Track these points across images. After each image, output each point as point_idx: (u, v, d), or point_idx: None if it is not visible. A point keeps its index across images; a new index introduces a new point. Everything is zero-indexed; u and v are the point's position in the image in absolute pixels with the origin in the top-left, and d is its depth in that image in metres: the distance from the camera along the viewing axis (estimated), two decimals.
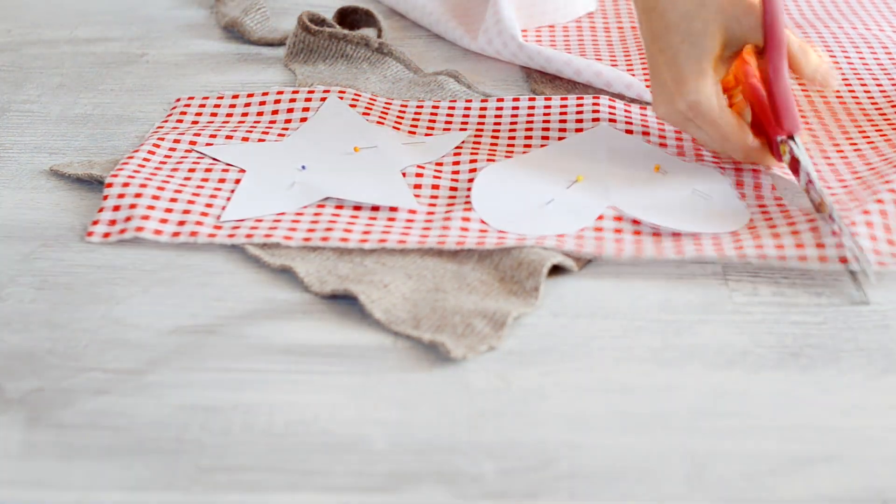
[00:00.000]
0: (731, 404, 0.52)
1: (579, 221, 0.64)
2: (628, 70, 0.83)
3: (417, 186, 0.68)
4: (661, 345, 0.55)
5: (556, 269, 0.61)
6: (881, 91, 0.79)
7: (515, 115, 0.76)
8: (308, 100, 0.77)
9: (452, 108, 0.77)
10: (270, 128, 0.75)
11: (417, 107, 0.78)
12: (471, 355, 0.54)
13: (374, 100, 0.78)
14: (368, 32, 0.91)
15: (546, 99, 0.77)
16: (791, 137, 0.65)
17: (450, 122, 0.75)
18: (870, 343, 0.56)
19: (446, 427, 0.50)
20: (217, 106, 0.78)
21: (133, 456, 0.48)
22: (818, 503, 0.46)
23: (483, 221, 0.64)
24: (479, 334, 0.55)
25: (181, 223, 0.63)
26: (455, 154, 0.72)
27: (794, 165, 0.65)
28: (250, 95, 0.78)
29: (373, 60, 0.85)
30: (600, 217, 0.64)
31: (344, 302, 0.58)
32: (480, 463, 0.48)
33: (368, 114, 0.75)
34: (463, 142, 0.73)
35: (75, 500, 0.47)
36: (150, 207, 0.64)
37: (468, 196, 0.66)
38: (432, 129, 0.75)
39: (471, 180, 0.68)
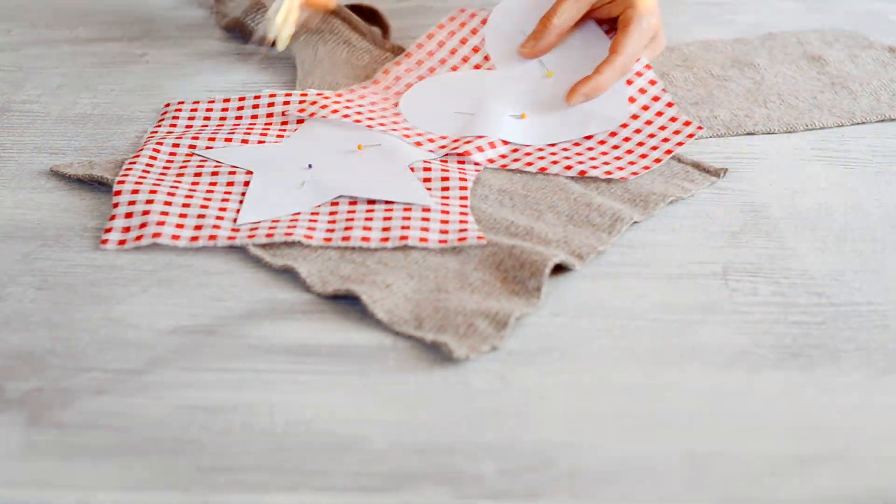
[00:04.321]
0: (731, 404, 0.52)
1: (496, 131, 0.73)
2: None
3: (427, 180, 0.68)
4: (661, 345, 0.55)
5: (557, 269, 0.61)
6: None
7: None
8: (301, 101, 0.77)
9: None
10: (267, 129, 0.74)
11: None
12: (473, 355, 0.54)
13: (372, 105, 0.78)
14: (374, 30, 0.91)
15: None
16: None
17: None
18: (870, 343, 0.56)
19: (446, 427, 0.50)
20: (209, 110, 0.78)
21: (133, 456, 0.48)
22: (818, 503, 0.46)
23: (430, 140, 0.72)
24: (481, 334, 0.55)
25: (198, 227, 0.63)
26: (454, 142, 0.72)
27: None
28: (242, 99, 0.78)
29: (375, 54, 0.85)
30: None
31: (344, 302, 0.58)
32: (480, 463, 0.48)
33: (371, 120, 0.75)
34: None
35: (75, 500, 0.47)
36: (164, 213, 0.64)
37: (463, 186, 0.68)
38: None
39: (477, 169, 0.70)
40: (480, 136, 0.72)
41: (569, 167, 0.70)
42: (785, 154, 0.74)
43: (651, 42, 0.79)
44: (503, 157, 0.71)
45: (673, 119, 0.75)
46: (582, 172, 0.69)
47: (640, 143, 0.73)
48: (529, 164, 0.71)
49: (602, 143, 0.73)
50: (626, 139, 0.73)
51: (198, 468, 0.48)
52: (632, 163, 0.71)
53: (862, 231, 0.65)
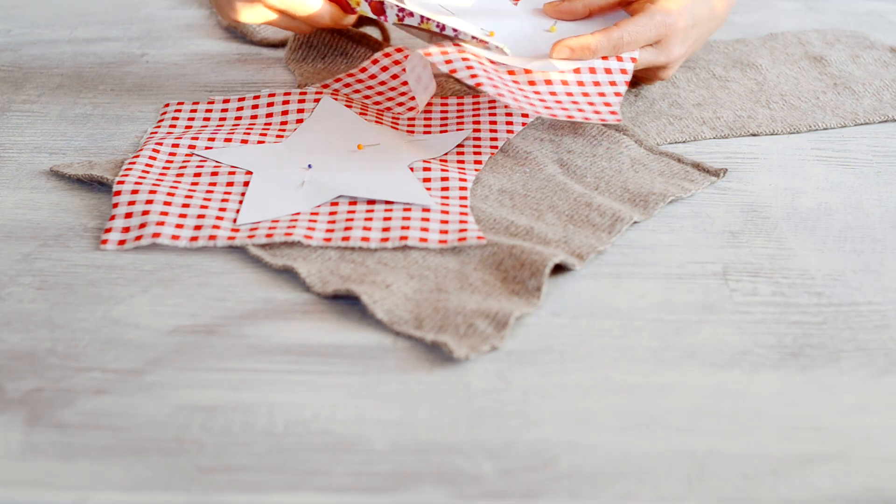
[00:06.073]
0: (731, 404, 0.52)
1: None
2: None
3: (427, 180, 0.68)
4: (661, 345, 0.55)
5: (557, 269, 0.61)
6: None
7: (508, 106, 0.76)
8: (301, 101, 0.77)
9: (445, 105, 0.77)
10: (267, 129, 0.75)
11: (409, 108, 0.78)
12: (473, 355, 0.54)
13: (366, 102, 0.78)
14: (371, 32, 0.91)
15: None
16: None
17: (445, 122, 0.75)
18: (870, 343, 0.56)
19: (446, 427, 0.50)
20: (208, 111, 0.78)
21: (133, 456, 0.48)
22: (818, 503, 0.46)
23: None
24: (481, 334, 0.55)
25: (198, 227, 0.63)
26: (458, 146, 0.72)
27: (379, 8, 0.76)
28: (241, 99, 0.78)
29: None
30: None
31: (344, 302, 0.58)
32: (480, 463, 0.48)
33: (365, 115, 0.75)
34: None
35: (75, 500, 0.47)
36: (164, 213, 0.64)
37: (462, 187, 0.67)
38: (429, 129, 0.75)
39: (477, 169, 0.70)
40: (442, 27, 0.74)
41: (479, 84, 0.69)
42: (785, 154, 0.74)
43: (659, 45, 0.77)
44: (444, 53, 0.71)
45: (607, 104, 0.73)
46: (492, 102, 0.75)
47: (560, 101, 0.72)
48: (453, 70, 0.70)
49: (534, 84, 0.73)
50: (556, 99, 0.72)
51: (198, 468, 0.48)
52: (547, 107, 0.71)
53: (862, 231, 0.65)
